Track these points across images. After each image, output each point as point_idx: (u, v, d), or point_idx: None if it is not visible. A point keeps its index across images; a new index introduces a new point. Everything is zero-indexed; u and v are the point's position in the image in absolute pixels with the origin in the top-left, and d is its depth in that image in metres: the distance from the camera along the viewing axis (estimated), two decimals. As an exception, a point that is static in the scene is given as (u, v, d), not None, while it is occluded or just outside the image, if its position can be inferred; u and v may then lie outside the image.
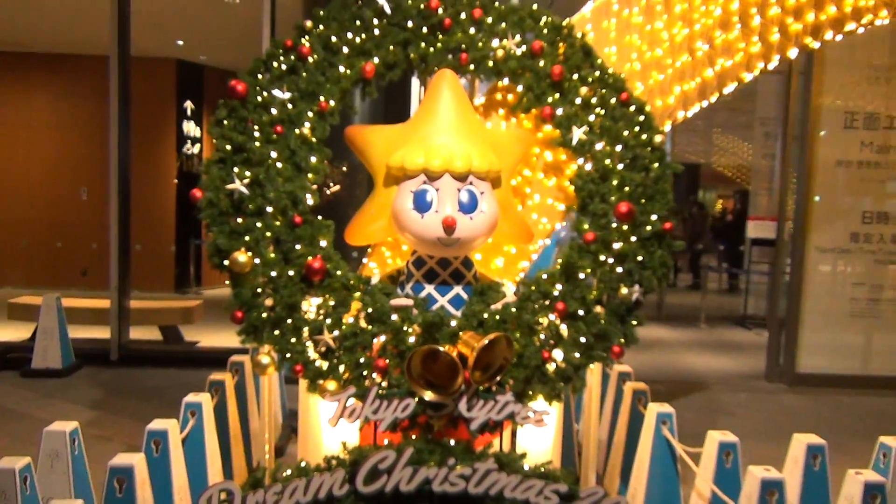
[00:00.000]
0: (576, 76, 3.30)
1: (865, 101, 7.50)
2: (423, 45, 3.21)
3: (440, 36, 3.23)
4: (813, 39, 4.14)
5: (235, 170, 2.90)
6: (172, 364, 7.52)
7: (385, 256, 3.79)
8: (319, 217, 3.01)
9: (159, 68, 12.54)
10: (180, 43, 11.91)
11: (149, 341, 8.20)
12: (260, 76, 3.03)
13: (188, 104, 13.27)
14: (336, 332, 2.89)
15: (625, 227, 3.08)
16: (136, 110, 8.10)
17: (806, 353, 7.65)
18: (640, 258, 3.09)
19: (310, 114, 3.03)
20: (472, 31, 3.26)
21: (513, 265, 3.79)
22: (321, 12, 3.14)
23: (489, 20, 3.28)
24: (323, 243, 2.96)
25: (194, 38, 11.64)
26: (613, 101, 3.28)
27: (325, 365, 2.89)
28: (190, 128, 13.40)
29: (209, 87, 13.44)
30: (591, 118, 3.23)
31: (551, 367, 2.98)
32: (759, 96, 11.22)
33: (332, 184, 7.48)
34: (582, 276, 3.06)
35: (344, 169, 7.48)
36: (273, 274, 2.90)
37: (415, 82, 7.51)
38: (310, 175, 2.99)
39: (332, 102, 3.08)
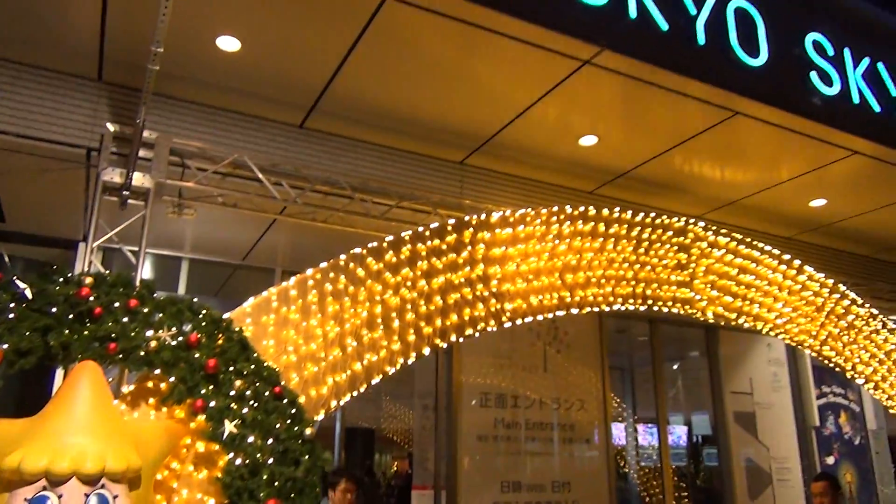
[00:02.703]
0: (231, 368, 3.40)
1: (496, 381, 8.84)
2: (66, 332, 3.07)
3: (88, 324, 3.13)
4: (441, 341, 4.94)
5: None
6: None
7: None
8: None
9: None
10: None
11: None
12: None
13: None
14: None
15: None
16: None
17: None
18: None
19: None
20: (125, 319, 3.23)
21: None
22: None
23: (145, 310, 3.30)
24: None
25: None
26: (267, 393, 3.41)
27: None
28: None
29: None
30: (244, 411, 3.29)
31: None
32: (416, 371, 12.46)
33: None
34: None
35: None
36: None
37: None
38: None
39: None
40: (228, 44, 5.13)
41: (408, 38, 5.18)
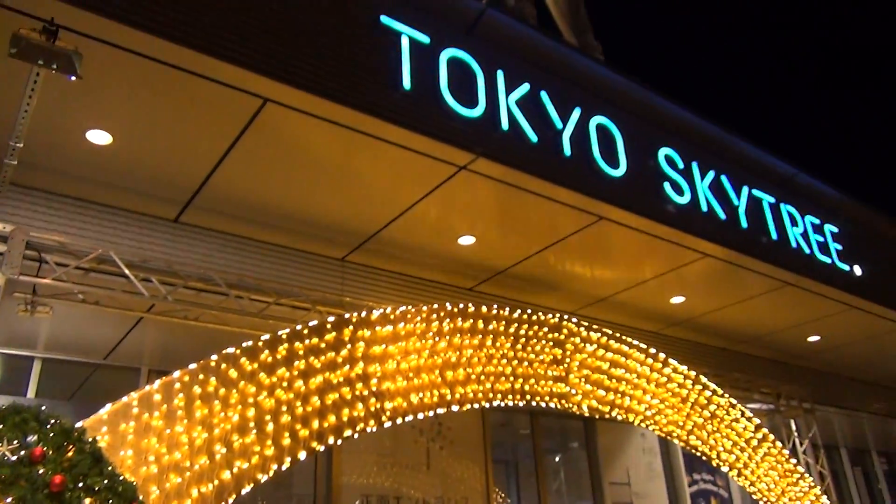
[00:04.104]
0: (81, 484, 3.11)
1: (378, 481, 8.54)
2: None
3: None
4: (318, 444, 4.76)
5: None
6: None
7: None
8: None
9: None
10: None
11: None
12: None
13: None
14: None
15: None
16: None
17: None
18: None
19: None
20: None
21: None
22: None
23: (-17, 423, 2.99)
24: None
25: None
26: (121, 512, 3.13)
27: None
28: None
29: None
30: (93, 533, 2.99)
31: None
32: (294, 472, 11.83)
33: None
34: None
35: None
36: None
37: None
38: None
39: None
40: (99, 137, 4.98)
41: (290, 139, 5.25)
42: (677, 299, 8.66)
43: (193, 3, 4.47)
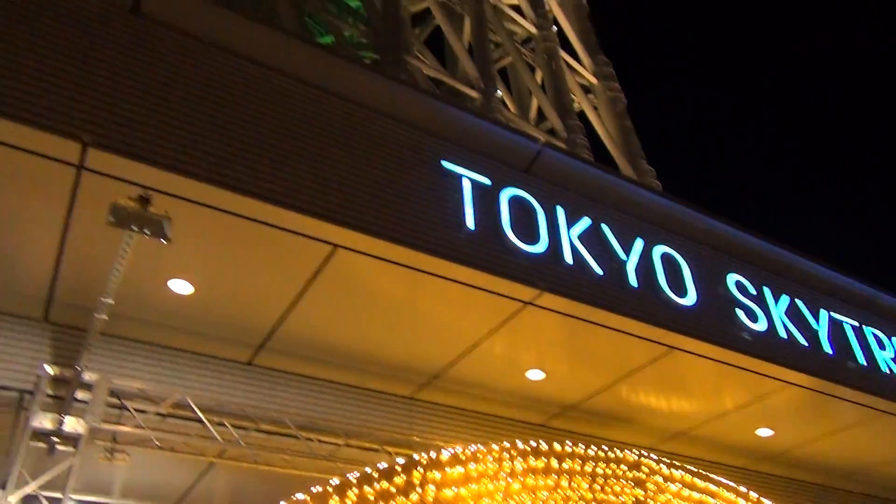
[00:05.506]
0: None
1: None
2: None
3: None
4: None
5: None
6: None
7: None
8: None
9: None
10: None
11: None
12: None
13: None
14: None
15: None
16: None
17: None
18: None
19: None
20: None
21: None
22: None
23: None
24: None
25: None
26: None
27: None
28: None
29: None
30: None
31: None
32: None
33: None
34: None
35: None
36: None
37: None
38: None
39: None
40: (181, 287, 5.26)
41: (357, 282, 5.42)
42: (764, 432, 8.12)
43: (271, 162, 4.83)
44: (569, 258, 5.86)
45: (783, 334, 7.03)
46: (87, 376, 5.03)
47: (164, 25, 4.98)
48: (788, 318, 7.24)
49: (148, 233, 3.64)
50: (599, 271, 5.99)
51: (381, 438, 6.28)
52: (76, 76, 4.41)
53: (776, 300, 7.30)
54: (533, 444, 5.73)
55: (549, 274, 5.66)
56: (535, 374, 6.76)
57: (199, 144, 4.59)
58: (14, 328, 5.40)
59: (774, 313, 7.13)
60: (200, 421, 5.52)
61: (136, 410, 5.38)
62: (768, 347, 6.82)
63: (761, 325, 6.87)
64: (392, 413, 6.85)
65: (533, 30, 16.46)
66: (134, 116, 4.46)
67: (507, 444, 5.61)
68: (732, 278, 7.05)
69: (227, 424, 5.67)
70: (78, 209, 4.57)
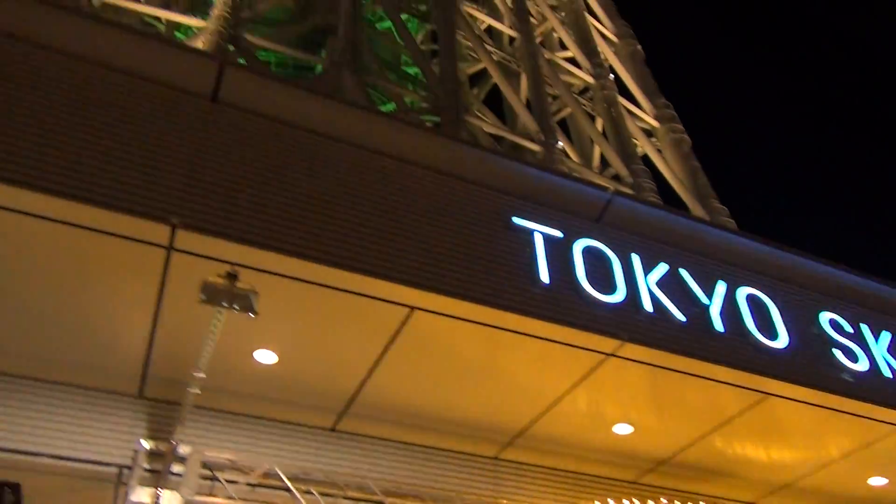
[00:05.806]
0: None
1: None
2: None
3: None
4: None
5: None
6: None
7: None
8: None
9: None
10: None
11: None
12: None
13: None
14: None
15: None
16: None
17: None
18: None
19: None
20: None
21: None
22: None
23: None
24: None
25: None
26: None
27: None
28: None
29: None
30: None
31: None
32: None
33: None
34: None
35: None
36: None
37: None
38: None
39: None
40: (266, 357, 5.40)
41: (434, 341, 5.43)
42: (877, 480, 7.52)
43: (348, 232, 4.97)
44: (648, 306, 5.71)
45: (887, 373, 6.58)
46: (182, 449, 5.17)
47: (240, 109, 5.28)
48: (892, 355, 6.79)
49: (237, 308, 3.78)
50: (682, 318, 5.80)
51: (468, 501, 6.15)
52: (160, 160, 4.70)
53: (876, 337, 6.87)
54: (626, 502, 5.51)
55: (629, 323, 5.52)
56: (622, 429, 6.53)
57: (280, 220, 4.78)
58: (111, 405, 5.64)
59: (876, 351, 6.70)
60: (288, 490, 5.56)
61: (226, 481, 5.47)
62: (872, 389, 6.39)
63: (862, 365, 6.46)
64: (477, 474, 6.72)
65: (590, 79, 16.52)
66: (218, 197, 4.69)
67: (598, 504, 5.42)
68: (826, 317, 6.69)
69: (315, 492, 5.68)
70: (169, 288, 4.80)
